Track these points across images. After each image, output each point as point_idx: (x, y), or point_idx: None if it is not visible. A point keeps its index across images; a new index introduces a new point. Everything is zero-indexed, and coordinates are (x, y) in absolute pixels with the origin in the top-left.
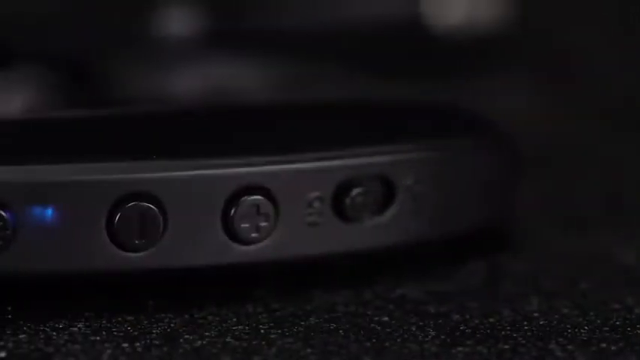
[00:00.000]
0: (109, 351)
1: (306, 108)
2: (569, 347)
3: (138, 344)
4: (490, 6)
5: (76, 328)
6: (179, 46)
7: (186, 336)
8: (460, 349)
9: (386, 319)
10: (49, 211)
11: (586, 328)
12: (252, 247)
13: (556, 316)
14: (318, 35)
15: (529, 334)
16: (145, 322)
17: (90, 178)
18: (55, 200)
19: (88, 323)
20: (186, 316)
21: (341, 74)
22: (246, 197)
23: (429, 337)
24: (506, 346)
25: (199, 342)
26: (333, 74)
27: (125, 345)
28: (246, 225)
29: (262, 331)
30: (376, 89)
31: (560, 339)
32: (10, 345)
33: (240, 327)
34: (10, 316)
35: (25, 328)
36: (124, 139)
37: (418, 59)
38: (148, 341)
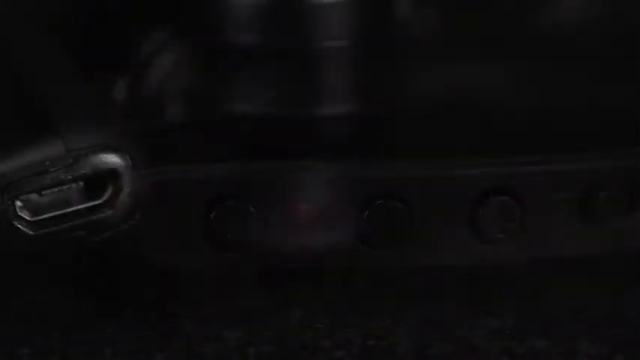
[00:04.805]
0: None
1: (552, 110)
2: None
3: None
4: None
5: None
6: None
7: None
8: None
9: None
10: None
11: None
12: (498, 248)
13: None
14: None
15: None
16: None
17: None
18: None
19: None
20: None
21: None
22: (493, 197)
23: None
24: None
25: None
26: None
27: None
28: (493, 225)
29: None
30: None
31: None
32: None
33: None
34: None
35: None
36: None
37: None
38: None
